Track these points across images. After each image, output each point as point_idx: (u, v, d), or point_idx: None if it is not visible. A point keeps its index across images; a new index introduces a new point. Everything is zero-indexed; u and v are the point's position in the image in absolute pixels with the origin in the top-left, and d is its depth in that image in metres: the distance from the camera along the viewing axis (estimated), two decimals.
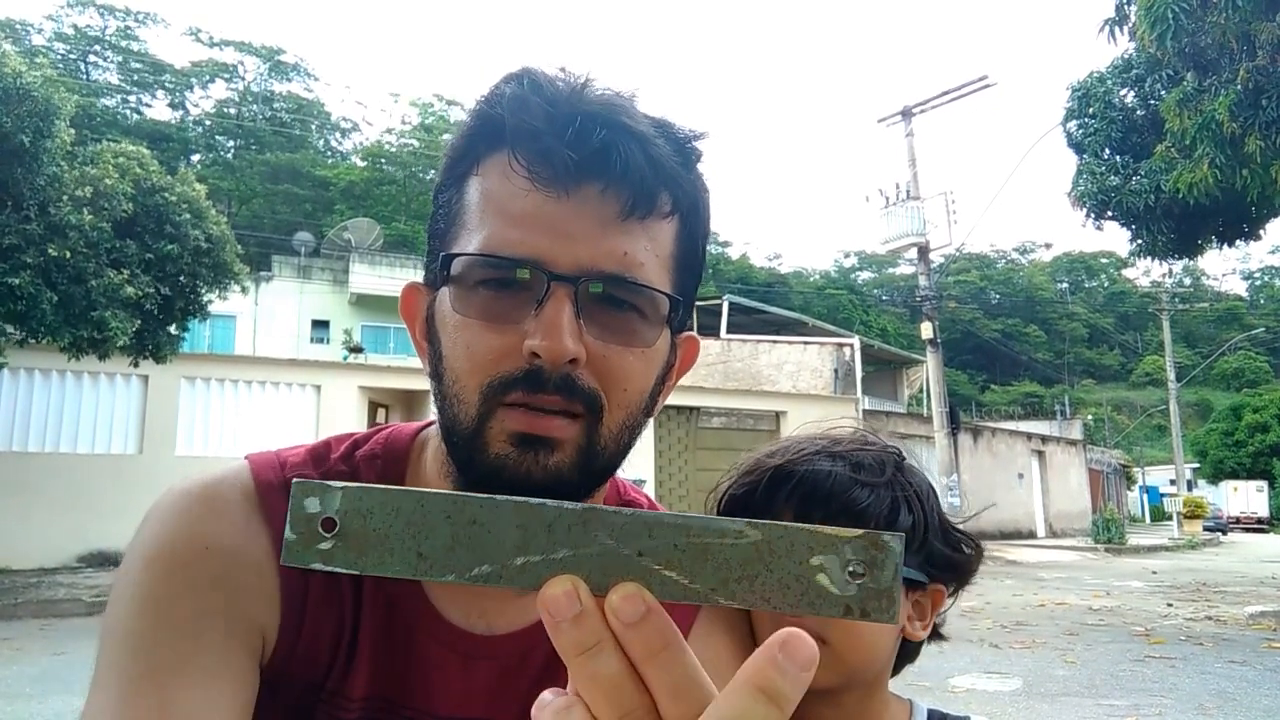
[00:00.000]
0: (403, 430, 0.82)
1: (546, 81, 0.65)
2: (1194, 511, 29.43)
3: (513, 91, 0.65)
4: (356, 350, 20.70)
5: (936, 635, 0.94)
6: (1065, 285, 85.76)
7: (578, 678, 0.34)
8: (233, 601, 0.67)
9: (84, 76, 41.36)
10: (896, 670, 0.93)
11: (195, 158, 44.08)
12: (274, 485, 0.72)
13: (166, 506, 0.71)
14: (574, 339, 0.62)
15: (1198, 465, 45.42)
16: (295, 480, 0.36)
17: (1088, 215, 11.32)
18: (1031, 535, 24.20)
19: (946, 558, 0.89)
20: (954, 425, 17.85)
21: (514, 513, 0.35)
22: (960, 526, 0.93)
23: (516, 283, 0.64)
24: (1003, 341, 68.86)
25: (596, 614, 0.34)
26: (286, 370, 13.89)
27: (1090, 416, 47.28)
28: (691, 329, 0.77)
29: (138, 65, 44.66)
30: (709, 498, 0.94)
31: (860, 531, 0.34)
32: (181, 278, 9.55)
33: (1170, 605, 10.28)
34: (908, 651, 0.92)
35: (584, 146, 0.62)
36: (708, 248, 0.77)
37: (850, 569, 0.33)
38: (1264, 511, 38.85)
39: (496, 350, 0.63)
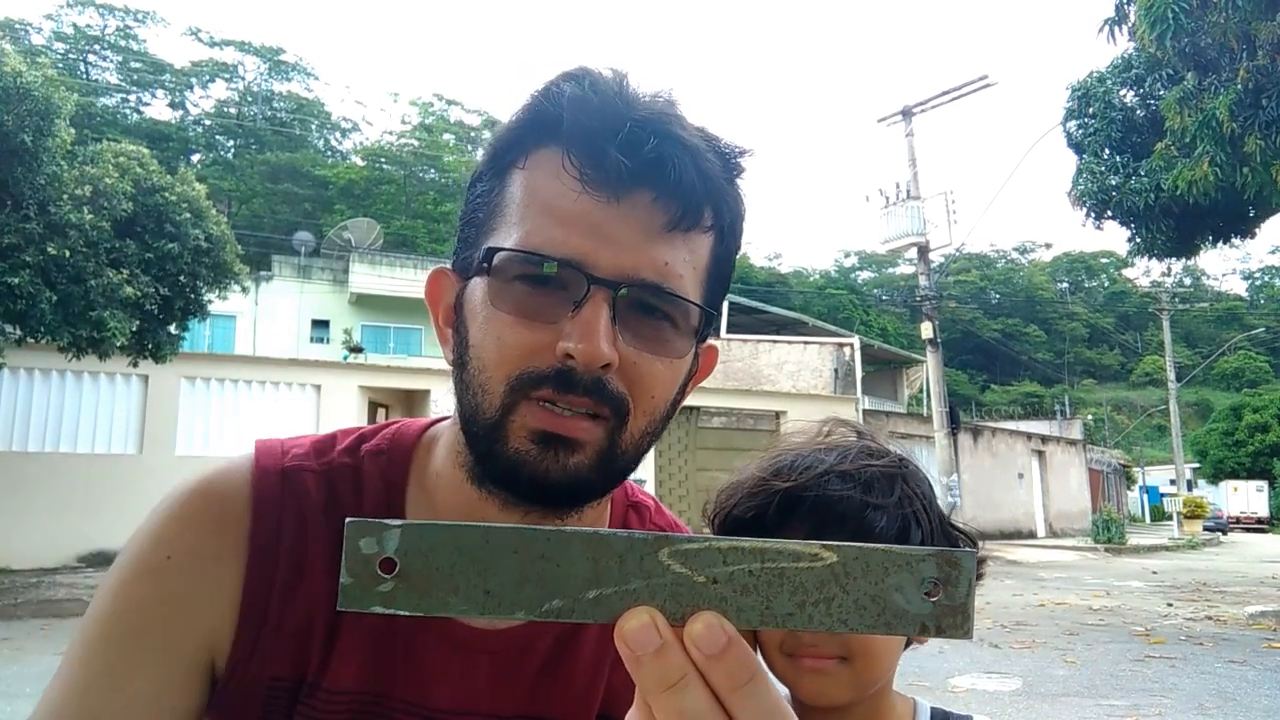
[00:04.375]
0: (410, 426, 0.82)
1: (604, 84, 0.65)
2: (1194, 511, 29.40)
3: (572, 90, 0.65)
4: (356, 350, 20.63)
5: None
6: (1065, 285, 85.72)
7: (663, 713, 0.33)
8: (181, 615, 0.68)
9: (84, 76, 41.35)
10: None
11: (195, 158, 44.09)
12: (270, 471, 0.73)
13: (156, 510, 0.72)
14: (609, 344, 0.62)
15: (1198, 465, 45.43)
16: (348, 520, 0.35)
17: (1088, 215, 11.33)
18: (1031, 535, 24.18)
19: None
20: (954, 425, 17.84)
21: (583, 545, 0.34)
22: (958, 524, 0.93)
23: (554, 281, 0.63)
24: (1003, 341, 68.80)
25: (677, 647, 0.33)
26: (286, 370, 13.89)
27: (1090, 416, 47.29)
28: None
29: (137, 65, 44.68)
30: (706, 509, 0.92)
31: (934, 550, 0.34)
32: (181, 277, 9.54)
33: (1170, 605, 10.28)
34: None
35: (638, 154, 0.62)
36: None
37: (925, 587, 0.34)
38: (1264, 511, 38.87)
39: (528, 346, 0.63)
